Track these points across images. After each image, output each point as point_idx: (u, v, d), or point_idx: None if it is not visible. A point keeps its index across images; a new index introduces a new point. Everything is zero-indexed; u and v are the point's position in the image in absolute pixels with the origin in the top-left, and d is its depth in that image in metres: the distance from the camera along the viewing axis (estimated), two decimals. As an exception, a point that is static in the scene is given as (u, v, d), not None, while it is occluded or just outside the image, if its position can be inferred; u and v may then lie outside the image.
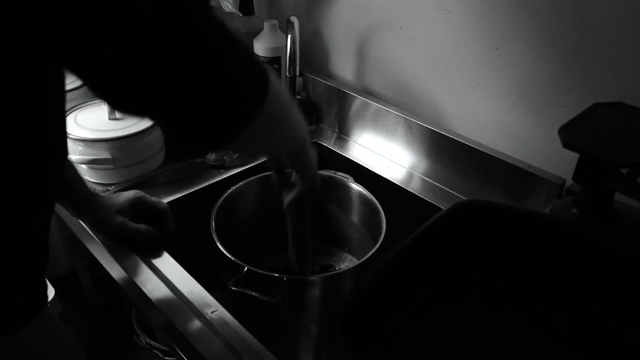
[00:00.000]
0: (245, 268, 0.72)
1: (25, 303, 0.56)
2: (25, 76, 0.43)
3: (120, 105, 0.46)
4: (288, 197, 0.75)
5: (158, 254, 0.79)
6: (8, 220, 0.50)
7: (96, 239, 0.82)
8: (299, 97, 1.16)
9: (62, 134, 0.53)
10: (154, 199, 0.85)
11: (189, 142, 0.49)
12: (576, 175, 0.61)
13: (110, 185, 0.94)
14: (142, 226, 0.80)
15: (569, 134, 0.59)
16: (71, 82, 1.10)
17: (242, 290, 0.71)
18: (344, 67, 1.15)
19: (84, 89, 1.10)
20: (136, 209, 0.82)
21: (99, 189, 0.91)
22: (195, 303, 0.70)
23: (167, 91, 0.42)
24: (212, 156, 1.02)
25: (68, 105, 0.99)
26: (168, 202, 0.91)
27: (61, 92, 0.50)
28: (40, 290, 0.58)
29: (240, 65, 0.46)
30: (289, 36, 0.98)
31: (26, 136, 0.47)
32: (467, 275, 0.64)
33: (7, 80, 0.42)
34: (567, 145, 0.58)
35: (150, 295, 0.72)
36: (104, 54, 0.40)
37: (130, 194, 0.83)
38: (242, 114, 0.47)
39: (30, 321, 0.56)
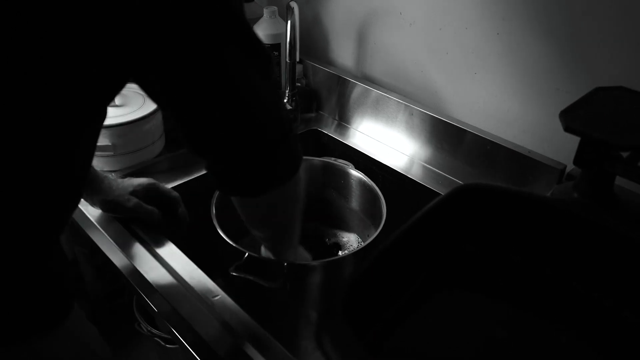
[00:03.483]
0: (246, 254, 0.72)
1: (59, 303, 0.58)
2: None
3: (192, 142, 0.52)
4: None
5: (160, 241, 0.79)
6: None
7: (98, 227, 0.82)
8: (299, 84, 1.15)
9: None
10: (166, 187, 0.86)
11: (229, 182, 0.55)
12: (577, 159, 0.61)
13: (110, 172, 0.94)
14: (155, 210, 0.81)
15: (570, 118, 0.59)
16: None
17: (243, 275, 0.72)
18: (344, 53, 1.15)
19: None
20: (149, 194, 0.83)
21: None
22: (196, 289, 0.71)
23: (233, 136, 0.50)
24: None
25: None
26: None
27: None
28: (70, 290, 0.60)
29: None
30: (289, 22, 0.97)
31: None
32: (467, 259, 0.64)
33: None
34: (567, 129, 0.58)
35: (151, 282, 0.72)
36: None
37: (143, 180, 0.84)
38: (278, 173, 0.54)
39: (63, 321, 0.58)
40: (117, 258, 0.79)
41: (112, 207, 0.81)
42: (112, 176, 0.84)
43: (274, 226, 0.67)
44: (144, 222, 0.82)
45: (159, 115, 0.99)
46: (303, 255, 0.79)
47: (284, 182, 0.55)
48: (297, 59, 1.04)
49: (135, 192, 0.82)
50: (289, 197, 0.59)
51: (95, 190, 0.80)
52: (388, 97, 1.02)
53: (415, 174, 0.97)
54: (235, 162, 0.51)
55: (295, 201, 0.62)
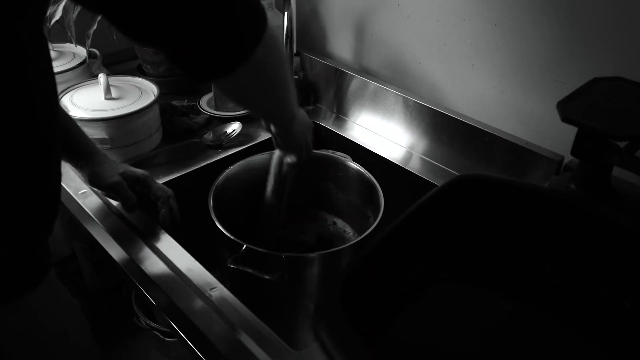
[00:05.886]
0: (244, 246, 0.72)
1: (34, 266, 0.59)
2: None
3: (131, 32, 0.48)
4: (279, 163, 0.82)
5: (158, 235, 0.79)
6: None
7: (96, 221, 0.82)
8: (296, 77, 1.15)
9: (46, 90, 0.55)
10: (158, 185, 0.84)
11: (191, 69, 0.52)
12: (574, 150, 0.61)
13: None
14: (134, 197, 0.80)
15: (567, 108, 0.59)
16: (66, 63, 1.09)
17: (240, 268, 0.72)
18: (341, 46, 1.14)
19: (79, 69, 1.09)
20: (135, 187, 0.82)
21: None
22: (194, 281, 0.71)
23: (173, 19, 0.46)
24: (209, 136, 1.02)
25: (64, 86, 0.98)
26: (166, 182, 0.91)
27: (39, 54, 0.52)
28: (46, 255, 0.61)
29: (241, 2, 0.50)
30: (286, 14, 0.97)
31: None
32: (464, 250, 0.64)
33: None
34: (565, 119, 0.58)
35: (150, 275, 0.72)
36: None
37: (139, 170, 0.83)
38: (240, 47, 0.50)
39: (38, 284, 0.59)
40: (115, 252, 0.79)
41: (96, 180, 0.80)
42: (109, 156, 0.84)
43: (263, 97, 0.64)
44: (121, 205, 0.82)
45: (156, 108, 0.99)
46: (304, 119, 0.79)
47: (254, 49, 0.51)
48: (294, 52, 1.04)
49: (125, 175, 0.81)
50: (265, 63, 0.55)
51: (86, 161, 0.80)
52: (386, 89, 1.02)
53: (412, 166, 0.97)
54: (197, 41, 0.48)
55: (274, 64, 0.58)
